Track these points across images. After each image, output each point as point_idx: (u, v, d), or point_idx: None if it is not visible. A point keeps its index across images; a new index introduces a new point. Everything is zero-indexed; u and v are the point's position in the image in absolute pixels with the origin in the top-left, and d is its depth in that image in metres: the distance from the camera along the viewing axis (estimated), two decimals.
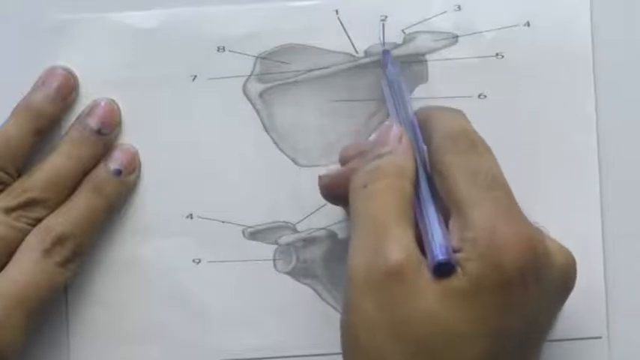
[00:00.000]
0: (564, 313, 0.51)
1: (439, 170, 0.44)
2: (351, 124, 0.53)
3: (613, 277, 0.52)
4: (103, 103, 0.52)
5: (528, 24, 0.52)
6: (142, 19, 0.53)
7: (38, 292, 0.49)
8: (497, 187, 0.43)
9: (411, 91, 0.52)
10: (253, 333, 0.52)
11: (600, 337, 0.52)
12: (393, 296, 0.41)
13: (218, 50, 0.53)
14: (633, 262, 0.52)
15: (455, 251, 0.42)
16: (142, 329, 0.52)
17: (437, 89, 0.52)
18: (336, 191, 0.48)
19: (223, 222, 0.53)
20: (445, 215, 0.44)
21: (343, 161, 0.50)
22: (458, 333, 0.41)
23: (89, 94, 0.53)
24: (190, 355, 0.52)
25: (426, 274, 0.41)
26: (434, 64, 0.53)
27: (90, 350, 0.52)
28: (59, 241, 0.50)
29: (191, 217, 0.53)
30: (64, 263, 0.50)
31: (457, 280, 0.41)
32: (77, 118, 0.52)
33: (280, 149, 0.53)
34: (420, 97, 0.52)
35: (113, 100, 0.53)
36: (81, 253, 0.51)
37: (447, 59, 0.53)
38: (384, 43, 0.53)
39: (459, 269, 0.41)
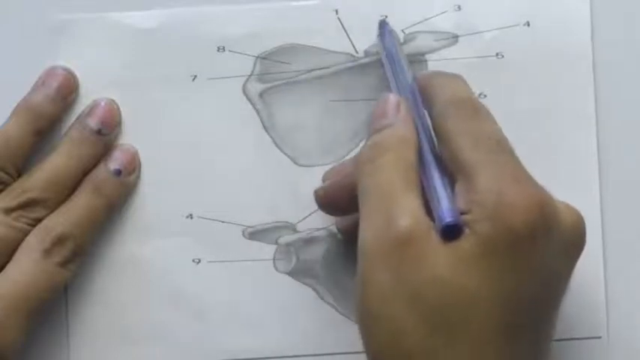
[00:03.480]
0: (564, 312, 0.51)
1: (442, 137, 0.44)
2: (351, 124, 0.53)
3: (613, 277, 0.52)
4: (103, 103, 0.52)
5: (528, 24, 0.52)
6: (142, 19, 0.53)
7: (38, 292, 0.49)
8: (501, 151, 0.43)
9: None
10: (253, 333, 0.52)
11: (600, 337, 0.52)
12: (405, 264, 0.41)
13: (218, 50, 0.53)
14: (633, 262, 0.52)
15: (462, 214, 0.42)
16: (142, 329, 0.52)
17: None
18: (333, 201, 0.49)
19: (223, 222, 0.53)
20: (451, 180, 0.43)
21: (324, 178, 0.51)
22: (470, 296, 0.40)
23: (89, 94, 0.53)
24: (190, 355, 0.52)
25: (436, 238, 0.41)
26: (434, 64, 0.53)
27: (90, 350, 0.52)
28: (59, 241, 0.50)
29: (191, 217, 0.53)
30: (64, 263, 0.50)
31: (466, 242, 0.41)
32: (77, 118, 0.52)
33: (280, 149, 0.53)
34: None
35: (113, 100, 0.53)
36: (81, 253, 0.51)
37: (447, 59, 0.53)
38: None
39: (467, 230, 0.41)
